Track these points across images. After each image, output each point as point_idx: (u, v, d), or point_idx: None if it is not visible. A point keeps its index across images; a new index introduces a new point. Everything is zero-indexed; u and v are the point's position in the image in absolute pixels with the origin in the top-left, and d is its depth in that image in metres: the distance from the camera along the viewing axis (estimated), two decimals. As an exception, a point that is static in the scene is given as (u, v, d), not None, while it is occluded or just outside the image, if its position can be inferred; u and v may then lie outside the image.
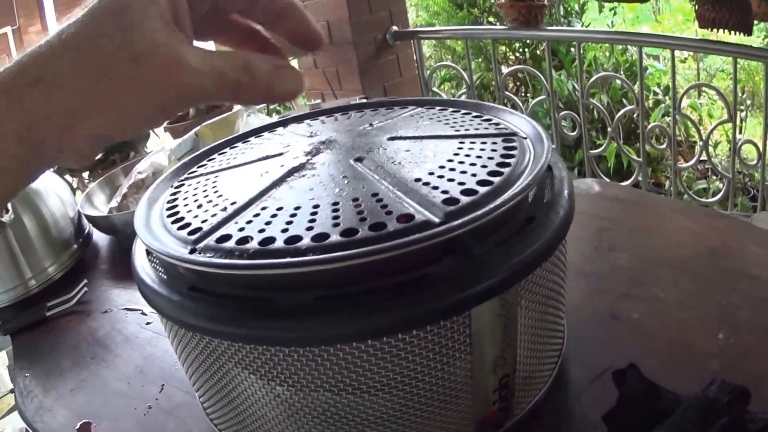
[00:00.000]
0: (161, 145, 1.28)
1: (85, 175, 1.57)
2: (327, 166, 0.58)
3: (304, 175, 0.57)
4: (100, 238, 1.17)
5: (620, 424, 0.53)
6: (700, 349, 0.64)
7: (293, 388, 0.50)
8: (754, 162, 2.08)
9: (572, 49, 3.48)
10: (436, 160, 0.56)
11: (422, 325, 0.45)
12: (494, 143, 0.58)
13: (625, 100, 3.41)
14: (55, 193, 1.08)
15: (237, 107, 1.38)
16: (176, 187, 0.64)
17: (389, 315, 0.44)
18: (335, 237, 0.45)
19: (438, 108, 0.73)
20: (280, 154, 0.64)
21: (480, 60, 3.99)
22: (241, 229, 0.49)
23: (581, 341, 0.68)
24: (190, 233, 0.51)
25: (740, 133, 2.67)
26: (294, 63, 2.72)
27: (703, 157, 2.30)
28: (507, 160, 0.54)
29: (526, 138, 0.59)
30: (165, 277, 0.53)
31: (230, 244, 0.48)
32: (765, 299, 0.70)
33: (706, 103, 3.68)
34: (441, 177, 0.52)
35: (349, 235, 0.45)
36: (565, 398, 0.62)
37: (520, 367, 0.54)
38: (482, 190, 0.49)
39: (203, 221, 0.53)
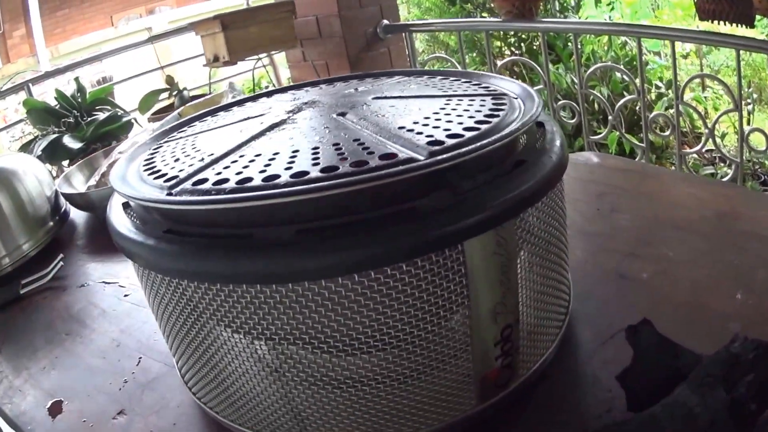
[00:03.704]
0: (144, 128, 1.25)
1: (65, 163, 1.53)
2: (308, 120, 0.56)
3: (284, 129, 0.55)
4: (78, 216, 1.14)
5: (636, 385, 0.50)
6: (717, 310, 0.61)
7: (273, 340, 0.47)
8: (763, 149, 2.04)
9: (569, 44, 3.45)
10: (421, 113, 0.54)
11: (411, 256, 0.43)
12: (483, 101, 0.57)
13: (626, 93, 3.37)
14: (31, 173, 1.06)
15: (222, 89, 1.35)
16: (155, 149, 0.62)
17: (376, 245, 0.42)
18: (315, 174, 0.43)
19: (426, 76, 0.72)
20: (261, 114, 0.62)
21: (474, 54, 3.96)
22: (218, 174, 0.48)
23: (589, 301, 0.65)
24: (167, 181, 0.49)
25: (747, 124, 2.64)
26: (281, 56, 2.69)
27: (710, 146, 2.26)
28: (495, 113, 0.53)
29: (516, 98, 0.58)
30: (141, 224, 0.51)
31: (207, 186, 0.46)
32: None
33: (710, 97, 3.65)
34: (426, 125, 0.51)
35: (329, 172, 0.43)
36: (574, 360, 0.59)
37: (523, 319, 0.52)
38: (468, 134, 0.48)
39: (180, 170, 0.51)
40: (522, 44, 4.01)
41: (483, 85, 0.64)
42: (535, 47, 3.90)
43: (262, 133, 0.55)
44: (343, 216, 0.43)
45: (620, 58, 3.63)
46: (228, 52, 1.98)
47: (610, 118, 2.38)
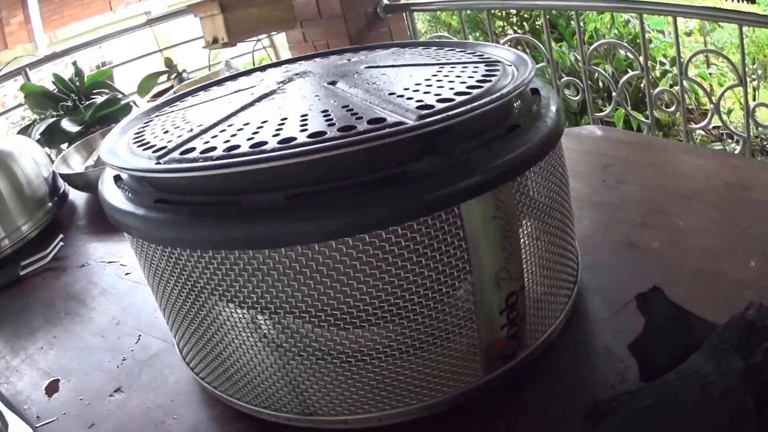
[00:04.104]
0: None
1: (64, 146, 1.52)
2: (298, 89, 0.56)
3: (273, 99, 0.54)
4: (77, 196, 1.14)
5: (648, 354, 0.48)
6: (731, 278, 0.60)
7: (268, 310, 0.47)
8: None
9: (572, 22, 3.41)
10: (412, 80, 0.53)
11: (405, 219, 0.42)
12: (476, 68, 0.56)
13: (630, 71, 3.34)
14: (28, 154, 1.06)
15: (218, 67, 1.33)
16: (145, 122, 0.61)
17: (367, 209, 0.42)
18: (302, 139, 0.43)
19: (421, 47, 0.71)
20: (252, 87, 0.62)
21: (477, 34, 3.92)
22: (206, 143, 0.47)
23: (598, 271, 0.64)
24: (155, 152, 0.49)
25: (753, 100, 2.60)
26: (282, 37, 2.67)
27: (716, 123, 2.24)
28: (488, 78, 0.52)
29: (511, 65, 0.57)
30: (132, 196, 0.51)
31: (194, 155, 0.45)
32: None
33: (715, 74, 3.61)
34: (416, 92, 0.50)
35: (316, 137, 0.43)
36: (585, 330, 0.58)
37: (529, 286, 0.51)
38: (458, 99, 0.47)
39: (168, 142, 0.50)
40: (524, 23, 3.96)
41: (477, 54, 0.63)
42: (537, 26, 3.86)
43: (251, 104, 0.54)
44: (332, 181, 0.43)
45: (623, 35, 3.59)
46: (227, 33, 1.96)
47: (614, 94, 2.36)
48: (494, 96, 0.46)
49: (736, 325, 0.43)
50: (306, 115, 0.47)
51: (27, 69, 2.10)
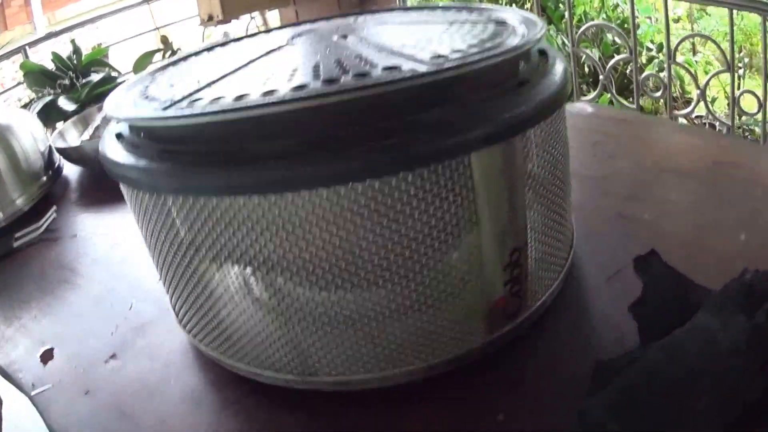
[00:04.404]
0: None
1: (59, 125, 1.51)
2: (308, 43, 0.55)
3: (283, 52, 0.54)
4: (71, 171, 1.13)
5: (647, 317, 0.48)
6: (721, 250, 0.60)
7: (274, 271, 0.46)
8: (754, 111, 2.02)
9: (561, 6, 3.41)
10: (423, 35, 0.53)
11: (417, 165, 0.42)
12: (485, 26, 0.56)
13: (616, 56, 3.35)
14: (26, 128, 1.04)
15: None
16: (150, 81, 0.60)
17: (380, 154, 0.41)
18: (315, 85, 0.42)
19: (426, 10, 0.69)
20: (257, 44, 0.61)
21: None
22: (215, 92, 0.46)
23: (591, 239, 0.65)
24: (161, 103, 0.48)
25: (737, 89, 2.61)
26: (275, 14, 2.66)
27: (699, 112, 2.25)
28: (498, 35, 0.52)
29: (520, 25, 0.56)
30: (135, 149, 0.50)
31: (203, 103, 0.44)
32: None
33: (700, 61, 3.62)
34: (428, 44, 0.49)
35: (330, 83, 0.42)
36: (581, 295, 0.58)
37: (531, 244, 0.51)
38: (472, 50, 0.47)
39: (175, 94, 0.49)
40: (513, 4, 3.96)
41: (484, 15, 0.62)
42: (526, 8, 3.86)
43: (260, 57, 0.53)
44: (345, 128, 0.42)
45: (612, 19, 3.60)
46: (222, 10, 1.95)
47: (601, 77, 2.36)
48: (510, 47, 0.46)
49: (737, 287, 0.43)
50: (318, 65, 0.47)
51: (26, 48, 2.08)
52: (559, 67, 0.52)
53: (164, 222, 0.49)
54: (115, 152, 0.50)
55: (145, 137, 0.50)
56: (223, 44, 0.70)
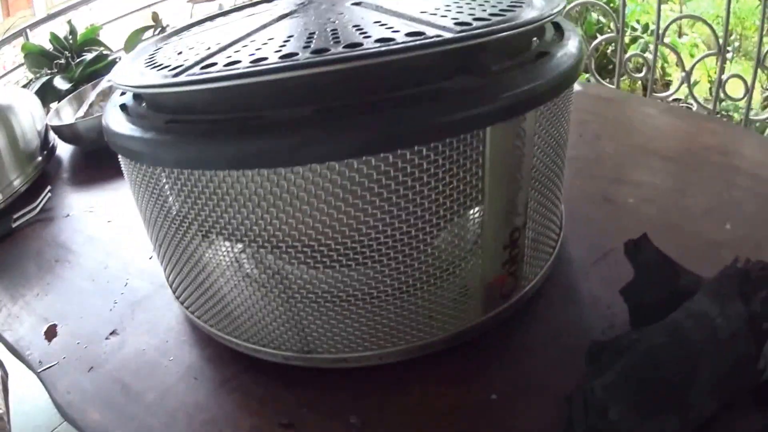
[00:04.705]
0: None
1: (54, 105, 1.50)
2: (321, 9, 0.53)
3: (295, 17, 0.52)
4: (64, 149, 1.13)
5: (638, 301, 0.49)
6: (707, 237, 0.61)
7: (279, 248, 0.45)
8: (739, 96, 2.00)
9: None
10: (439, 2, 0.51)
11: (437, 137, 0.40)
12: None
13: (599, 35, 3.33)
14: (26, 107, 1.03)
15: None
16: (156, 49, 0.58)
17: (400, 124, 0.39)
18: (337, 50, 0.40)
19: None
20: (267, 10, 0.59)
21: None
22: (228, 57, 0.44)
23: (578, 222, 0.65)
24: (170, 70, 0.46)
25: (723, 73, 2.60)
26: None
27: (679, 95, 2.23)
28: (517, 3, 0.50)
29: None
30: (139, 120, 0.48)
31: (217, 68, 0.42)
32: None
33: (686, 44, 3.61)
34: (448, 11, 0.47)
35: (352, 47, 0.40)
36: (571, 277, 0.59)
37: (529, 225, 0.50)
38: (495, 18, 0.45)
39: (185, 60, 0.47)
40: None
41: None
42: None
43: (271, 23, 0.51)
44: (365, 95, 0.40)
45: (600, -1, 3.58)
46: (212, -13, 1.94)
47: (583, 57, 2.34)
48: (533, 18, 0.44)
49: (733, 273, 0.44)
50: (336, 30, 0.45)
51: (27, 30, 2.07)
52: (574, 41, 0.52)
53: (166, 197, 0.47)
54: (119, 124, 0.48)
55: (151, 108, 0.48)
56: (225, 13, 0.69)
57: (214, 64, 0.43)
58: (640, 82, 2.25)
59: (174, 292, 0.61)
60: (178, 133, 0.43)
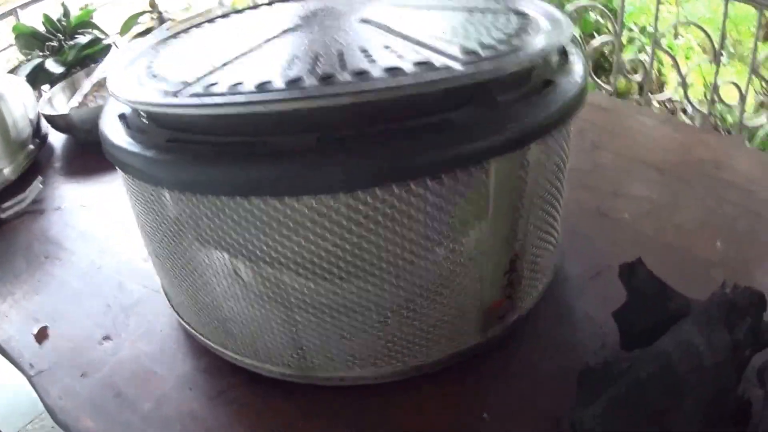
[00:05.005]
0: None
1: (45, 87, 1.48)
2: (326, 25, 0.52)
3: (300, 33, 0.51)
4: (56, 138, 1.09)
5: (629, 324, 0.50)
6: (699, 256, 0.62)
7: (282, 264, 0.45)
8: (734, 103, 2.02)
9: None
10: (446, 23, 0.51)
11: (442, 170, 0.40)
12: (507, 17, 0.54)
13: (596, 34, 3.32)
14: (18, 95, 1.00)
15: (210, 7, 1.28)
16: (154, 54, 0.56)
17: (406, 157, 0.39)
18: (344, 77, 0.39)
19: None
20: (269, 20, 0.57)
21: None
22: (232, 76, 0.43)
23: (573, 237, 0.65)
24: (172, 85, 0.45)
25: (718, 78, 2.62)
26: None
27: (675, 98, 2.24)
28: (523, 29, 0.50)
29: (540, 17, 0.54)
30: (138, 135, 0.47)
31: (221, 89, 0.41)
32: (761, 214, 0.67)
33: (681, 46, 3.61)
34: (455, 36, 0.47)
35: (359, 75, 0.39)
36: (565, 295, 0.60)
37: (527, 249, 0.50)
38: (501, 47, 0.44)
39: (186, 74, 0.46)
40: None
41: (501, 2, 0.59)
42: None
43: (275, 37, 0.50)
44: (372, 125, 0.39)
45: (596, -1, 3.57)
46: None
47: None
48: (541, 48, 0.44)
49: (721, 302, 0.45)
50: (343, 53, 0.44)
51: (18, 10, 2.03)
52: (579, 66, 0.51)
53: (164, 211, 0.47)
54: (119, 137, 0.47)
55: (152, 122, 0.47)
56: (225, 16, 0.67)
57: (216, 83, 0.42)
58: (635, 83, 2.25)
59: (169, 301, 0.61)
60: (179, 152, 0.42)
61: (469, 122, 0.40)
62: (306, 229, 0.42)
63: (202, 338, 0.56)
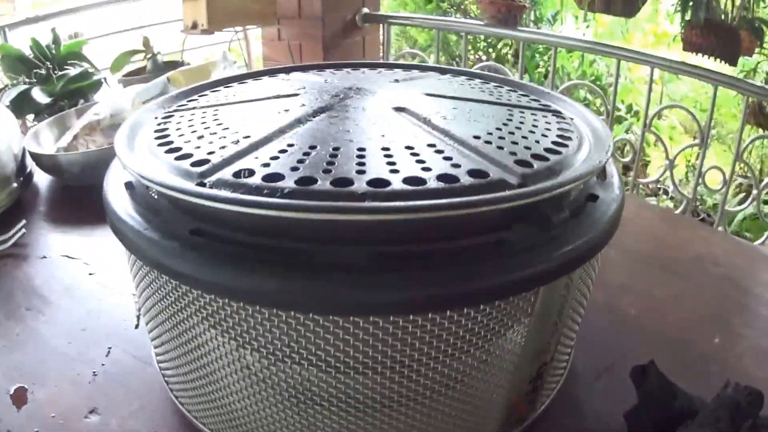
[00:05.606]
0: (121, 89, 1.16)
1: (30, 117, 1.43)
2: (362, 110, 0.49)
3: (335, 116, 0.48)
4: (42, 178, 1.04)
5: (640, 423, 0.50)
6: (699, 351, 0.64)
7: (301, 365, 0.41)
8: (718, 187, 2.08)
9: (536, 56, 3.47)
10: (488, 122, 0.48)
11: (496, 297, 0.37)
12: (546, 117, 0.52)
13: None
14: (2, 128, 0.96)
15: (214, 57, 1.27)
16: (165, 118, 0.53)
17: (461, 281, 0.36)
18: (398, 185, 0.37)
19: (463, 76, 0.67)
20: (296, 94, 0.55)
21: (440, 54, 3.94)
22: (266, 165, 0.40)
23: (582, 332, 0.63)
24: (194, 165, 0.41)
25: (696, 159, 2.70)
26: (257, 32, 2.62)
27: (664, 176, 2.31)
28: (566, 134, 0.48)
29: (573, 118, 0.55)
30: (151, 215, 0.42)
31: (255, 181, 0.38)
32: (754, 310, 0.72)
33: (665, 127, 3.71)
34: (501, 138, 0.45)
35: (415, 185, 0.37)
36: (575, 395, 0.58)
37: (555, 357, 0.49)
38: (552, 157, 0.43)
39: (209, 153, 0.43)
40: (491, 50, 4.00)
41: (532, 97, 0.59)
42: (503, 54, 3.91)
43: (308, 118, 0.48)
44: (426, 242, 0.36)
45: (587, 75, 3.67)
46: (207, 20, 1.90)
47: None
48: (596, 163, 0.42)
49: (725, 402, 0.46)
50: (389, 149, 0.41)
51: (6, 29, 1.98)
52: (616, 179, 0.49)
53: (183, 306, 0.42)
54: (130, 216, 0.43)
55: (168, 202, 0.43)
56: (239, 79, 0.65)
57: (250, 171, 0.39)
58: (621, 165, 2.32)
59: (167, 384, 0.56)
60: (207, 250, 0.38)
61: (526, 243, 0.38)
62: (335, 347, 0.38)
63: (204, 428, 0.52)
